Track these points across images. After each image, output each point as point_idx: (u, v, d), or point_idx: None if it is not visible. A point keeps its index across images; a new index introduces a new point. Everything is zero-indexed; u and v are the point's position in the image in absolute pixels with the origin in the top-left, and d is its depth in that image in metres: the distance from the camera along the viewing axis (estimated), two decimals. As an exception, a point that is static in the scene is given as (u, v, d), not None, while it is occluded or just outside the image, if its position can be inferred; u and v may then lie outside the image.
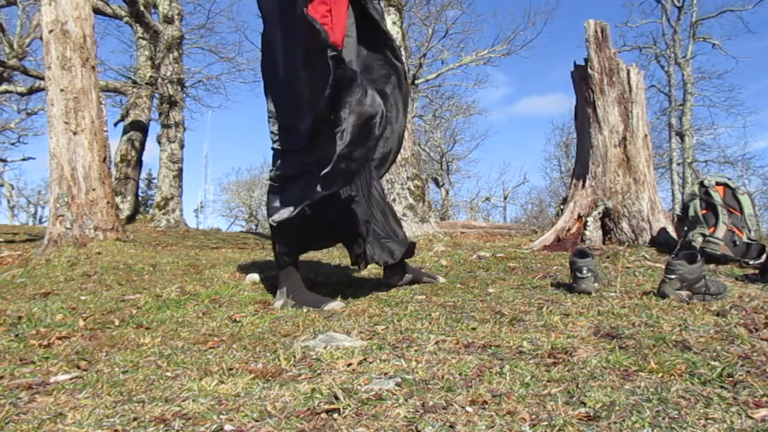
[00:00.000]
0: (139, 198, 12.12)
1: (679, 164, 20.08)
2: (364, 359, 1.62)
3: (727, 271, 3.11)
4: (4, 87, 12.69)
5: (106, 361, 1.77)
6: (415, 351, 1.68)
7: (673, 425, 1.13)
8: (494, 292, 2.60)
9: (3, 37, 11.93)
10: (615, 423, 1.14)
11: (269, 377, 1.51)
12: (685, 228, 3.62)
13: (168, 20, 10.69)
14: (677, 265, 2.29)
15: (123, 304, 2.69)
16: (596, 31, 4.36)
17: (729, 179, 3.63)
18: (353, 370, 1.54)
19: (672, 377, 1.39)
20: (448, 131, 25.46)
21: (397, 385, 1.39)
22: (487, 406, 1.25)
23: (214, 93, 19.54)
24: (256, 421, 1.22)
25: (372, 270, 3.37)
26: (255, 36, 23.86)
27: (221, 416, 1.25)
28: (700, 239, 3.43)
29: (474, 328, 1.93)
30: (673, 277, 2.28)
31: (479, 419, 1.18)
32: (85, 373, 1.66)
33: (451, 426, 1.16)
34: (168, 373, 1.60)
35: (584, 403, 1.24)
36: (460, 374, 1.47)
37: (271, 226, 2.55)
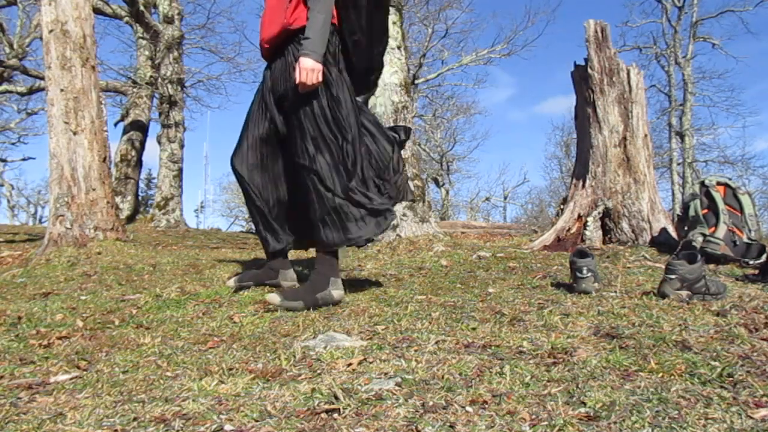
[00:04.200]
0: (139, 198, 12.13)
1: (679, 164, 20.10)
2: (364, 359, 1.62)
3: (727, 271, 3.11)
4: (4, 87, 12.71)
5: (106, 361, 1.77)
6: (415, 351, 1.68)
7: (673, 425, 1.13)
8: (494, 292, 2.60)
9: (3, 37, 11.94)
10: (615, 423, 1.14)
11: (269, 377, 1.51)
12: (686, 228, 3.62)
13: (168, 20, 10.69)
14: (677, 265, 2.29)
15: (123, 304, 2.69)
16: (596, 31, 4.36)
17: (729, 179, 3.63)
18: (353, 370, 1.53)
19: (672, 377, 1.39)
20: (448, 131, 25.50)
21: (397, 385, 1.39)
22: (487, 406, 1.25)
23: (214, 93, 19.58)
24: (256, 421, 1.22)
25: (372, 270, 3.37)
26: (255, 36, 23.83)
27: (221, 416, 1.25)
28: (701, 239, 3.43)
29: (474, 328, 1.92)
30: (673, 277, 2.28)
31: (479, 419, 1.18)
32: (85, 373, 1.66)
33: (451, 426, 1.16)
34: (168, 373, 1.60)
35: (584, 403, 1.24)
36: (460, 374, 1.47)
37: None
